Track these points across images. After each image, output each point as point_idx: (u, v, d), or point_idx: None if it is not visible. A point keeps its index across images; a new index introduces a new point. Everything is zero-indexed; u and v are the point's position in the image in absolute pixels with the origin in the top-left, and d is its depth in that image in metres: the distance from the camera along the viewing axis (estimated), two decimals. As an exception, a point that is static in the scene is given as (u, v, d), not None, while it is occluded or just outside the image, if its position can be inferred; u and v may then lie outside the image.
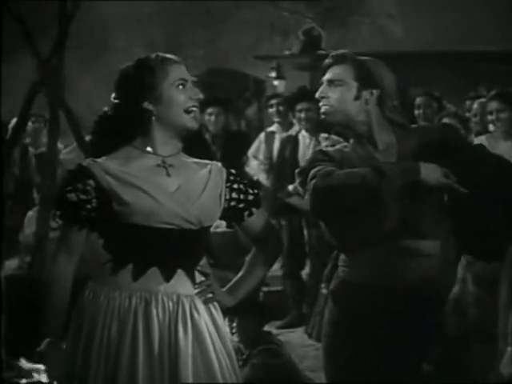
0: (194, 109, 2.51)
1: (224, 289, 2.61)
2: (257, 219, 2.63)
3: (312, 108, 6.08)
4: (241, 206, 2.59)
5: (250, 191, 2.61)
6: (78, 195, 2.45)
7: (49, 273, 2.53)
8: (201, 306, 2.49)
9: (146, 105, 2.49)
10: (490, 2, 9.48)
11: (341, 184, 2.77)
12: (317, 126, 6.10)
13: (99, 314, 2.45)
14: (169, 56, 2.54)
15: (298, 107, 6.10)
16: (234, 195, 2.59)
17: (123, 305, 2.44)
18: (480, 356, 4.71)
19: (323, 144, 5.67)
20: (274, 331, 5.32)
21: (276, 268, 6.67)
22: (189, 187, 2.50)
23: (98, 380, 2.41)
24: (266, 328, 4.67)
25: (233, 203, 2.59)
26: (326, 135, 5.71)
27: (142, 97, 2.50)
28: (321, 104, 2.91)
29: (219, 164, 2.62)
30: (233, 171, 2.62)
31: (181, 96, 2.49)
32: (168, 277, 2.47)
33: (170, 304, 2.45)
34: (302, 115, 6.10)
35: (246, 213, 2.61)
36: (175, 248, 2.47)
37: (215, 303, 2.56)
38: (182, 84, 2.49)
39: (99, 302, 2.47)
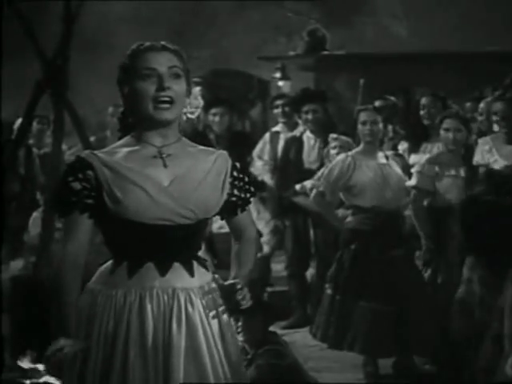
0: (164, 99, 2.43)
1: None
2: (246, 216, 2.65)
3: (318, 109, 6.09)
4: (239, 203, 2.60)
5: (251, 189, 2.61)
6: (82, 184, 2.43)
7: (60, 262, 2.47)
8: (196, 300, 2.47)
9: (125, 97, 2.50)
10: (495, 3, 9.46)
11: None
12: (322, 126, 6.10)
13: (97, 313, 2.45)
14: (148, 45, 2.49)
15: (305, 108, 6.10)
16: (236, 192, 2.58)
17: (119, 303, 2.44)
18: (485, 357, 4.70)
19: (332, 144, 5.68)
20: (279, 331, 5.31)
21: (281, 269, 6.68)
22: (186, 178, 2.47)
23: (96, 374, 2.41)
24: (271, 328, 4.66)
25: (233, 199, 2.58)
26: (335, 135, 5.70)
27: (121, 90, 2.52)
28: None
29: (225, 153, 2.59)
30: (237, 165, 2.59)
31: (145, 86, 2.44)
32: (163, 271, 2.46)
33: (165, 298, 2.44)
34: (309, 116, 6.10)
35: (240, 209, 2.61)
36: (171, 243, 2.45)
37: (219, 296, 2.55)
38: (147, 74, 2.44)
39: (97, 301, 2.46)
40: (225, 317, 2.55)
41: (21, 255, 5.80)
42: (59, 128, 5.08)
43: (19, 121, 5.84)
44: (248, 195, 2.61)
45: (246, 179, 2.61)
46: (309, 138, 6.19)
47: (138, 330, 2.41)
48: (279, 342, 4.48)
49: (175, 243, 2.46)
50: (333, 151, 5.63)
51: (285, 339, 4.76)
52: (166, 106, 2.44)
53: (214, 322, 2.50)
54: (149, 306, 2.42)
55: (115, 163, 2.44)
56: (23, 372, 4.25)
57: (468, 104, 6.43)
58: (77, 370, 2.45)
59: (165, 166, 2.47)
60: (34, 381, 4.20)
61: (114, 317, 2.43)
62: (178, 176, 2.46)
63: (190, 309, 2.45)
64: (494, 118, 5.21)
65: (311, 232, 6.15)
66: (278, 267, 6.78)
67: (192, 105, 2.59)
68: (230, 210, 2.60)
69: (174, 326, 2.42)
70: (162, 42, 2.51)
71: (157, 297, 2.44)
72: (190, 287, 2.48)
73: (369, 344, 4.84)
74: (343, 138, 5.60)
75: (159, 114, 2.44)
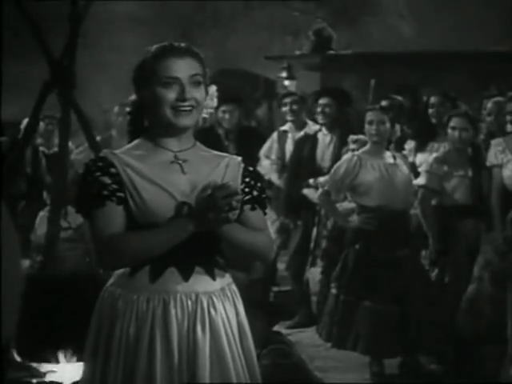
0: (185, 108, 2.42)
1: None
2: (256, 216, 2.55)
3: (331, 104, 6.11)
4: (246, 198, 2.53)
5: (258, 188, 2.57)
6: (111, 178, 2.39)
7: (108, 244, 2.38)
8: (218, 304, 2.47)
9: (142, 99, 2.48)
10: (501, 2, 9.45)
11: None
12: (334, 121, 6.11)
13: (117, 317, 2.42)
14: (170, 47, 2.46)
15: (320, 102, 6.13)
16: (241, 186, 2.54)
17: (141, 307, 2.41)
18: (492, 357, 4.70)
19: (351, 146, 5.67)
20: (284, 331, 5.32)
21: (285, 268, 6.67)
22: None
23: (117, 378, 2.39)
24: (275, 328, 4.67)
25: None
26: (355, 137, 5.69)
27: (138, 90, 2.50)
28: None
29: (238, 158, 2.58)
30: (250, 168, 2.58)
31: (166, 94, 2.41)
32: (187, 276, 2.44)
33: (189, 303, 2.43)
34: (326, 110, 6.11)
35: (248, 206, 2.54)
36: (193, 246, 2.42)
37: (239, 297, 2.54)
38: (168, 82, 2.41)
39: (117, 305, 2.43)
40: (244, 318, 2.55)
41: (27, 254, 5.81)
42: (65, 127, 5.09)
43: (26, 120, 5.85)
44: (255, 193, 2.56)
45: (257, 178, 2.59)
46: (324, 136, 6.19)
47: (163, 335, 2.39)
48: (284, 341, 4.49)
49: (198, 247, 2.43)
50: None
51: (290, 339, 4.77)
52: (186, 113, 2.43)
53: (234, 325, 2.50)
54: (173, 311, 2.41)
55: (136, 165, 2.42)
56: (30, 371, 4.26)
57: (484, 101, 6.40)
58: (98, 374, 2.43)
59: (183, 172, 2.45)
60: (41, 380, 4.21)
61: (136, 321, 2.41)
62: (199, 184, 2.44)
63: (212, 312, 2.45)
64: (508, 117, 5.21)
65: (316, 229, 6.14)
66: (282, 267, 6.79)
67: (208, 105, 2.57)
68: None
69: (199, 330, 2.41)
70: (183, 45, 2.47)
71: (180, 302, 2.42)
72: (212, 291, 2.47)
73: (372, 344, 4.84)
74: (363, 138, 5.56)
75: (178, 120, 2.43)
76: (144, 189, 2.39)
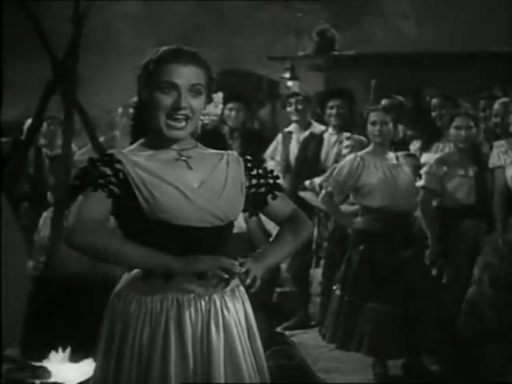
0: (178, 117, 2.41)
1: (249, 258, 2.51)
2: (281, 202, 2.60)
3: (343, 105, 6.11)
4: (262, 190, 2.56)
5: (270, 175, 2.59)
6: (112, 171, 2.37)
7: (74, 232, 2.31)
8: (230, 304, 2.48)
9: (142, 99, 2.48)
10: (503, 3, 9.43)
11: None
12: (345, 123, 6.10)
13: (131, 319, 2.41)
14: (176, 52, 2.43)
15: (330, 104, 6.12)
16: (254, 181, 2.55)
17: (155, 309, 2.41)
18: (495, 358, 4.69)
19: (345, 143, 5.67)
20: (287, 332, 5.32)
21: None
22: (213, 181, 2.46)
23: (131, 381, 2.38)
24: (278, 329, 4.66)
25: (253, 190, 2.56)
26: (348, 135, 5.69)
27: (139, 90, 2.49)
28: None
29: (235, 153, 2.58)
30: (249, 158, 2.59)
31: (163, 100, 2.40)
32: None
33: (203, 303, 2.43)
34: (334, 111, 6.11)
35: (270, 196, 2.57)
36: (206, 245, 2.42)
37: (247, 298, 2.54)
38: (166, 87, 2.40)
39: (131, 308, 2.42)
40: (252, 319, 2.55)
41: (30, 255, 5.81)
42: (69, 128, 5.10)
43: (29, 121, 5.85)
44: (270, 180, 2.58)
45: (262, 166, 2.61)
46: (330, 136, 6.18)
47: (177, 336, 2.38)
48: (287, 342, 4.48)
49: (210, 246, 2.43)
50: (345, 150, 5.64)
51: (293, 340, 4.76)
52: (180, 124, 2.42)
53: (244, 325, 2.50)
54: (187, 312, 2.40)
55: (144, 163, 2.41)
56: (33, 371, 4.26)
57: (481, 102, 6.40)
58: (111, 376, 2.42)
59: (190, 168, 2.45)
60: (44, 380, 4.21)
61: (150, 323, 2.40)
62: (206, 179, 2.45)
63: (225, 313, 2.45)
64: None
65: (316, 230, 6.14)
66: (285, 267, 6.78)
67: (211, 113, 2.57)
68: (256, 201, 2.56)
69: (213, 330, 2.41)
70: (192, 51, 2.45)
71: (194, 302, 2.42)
72: (224, 290, 2.47)
73: (375, 345, 4.84)
74: (356, 137, 5.58)
75: (171, 133, 2.43)
76: (154, 186, 2.38)
